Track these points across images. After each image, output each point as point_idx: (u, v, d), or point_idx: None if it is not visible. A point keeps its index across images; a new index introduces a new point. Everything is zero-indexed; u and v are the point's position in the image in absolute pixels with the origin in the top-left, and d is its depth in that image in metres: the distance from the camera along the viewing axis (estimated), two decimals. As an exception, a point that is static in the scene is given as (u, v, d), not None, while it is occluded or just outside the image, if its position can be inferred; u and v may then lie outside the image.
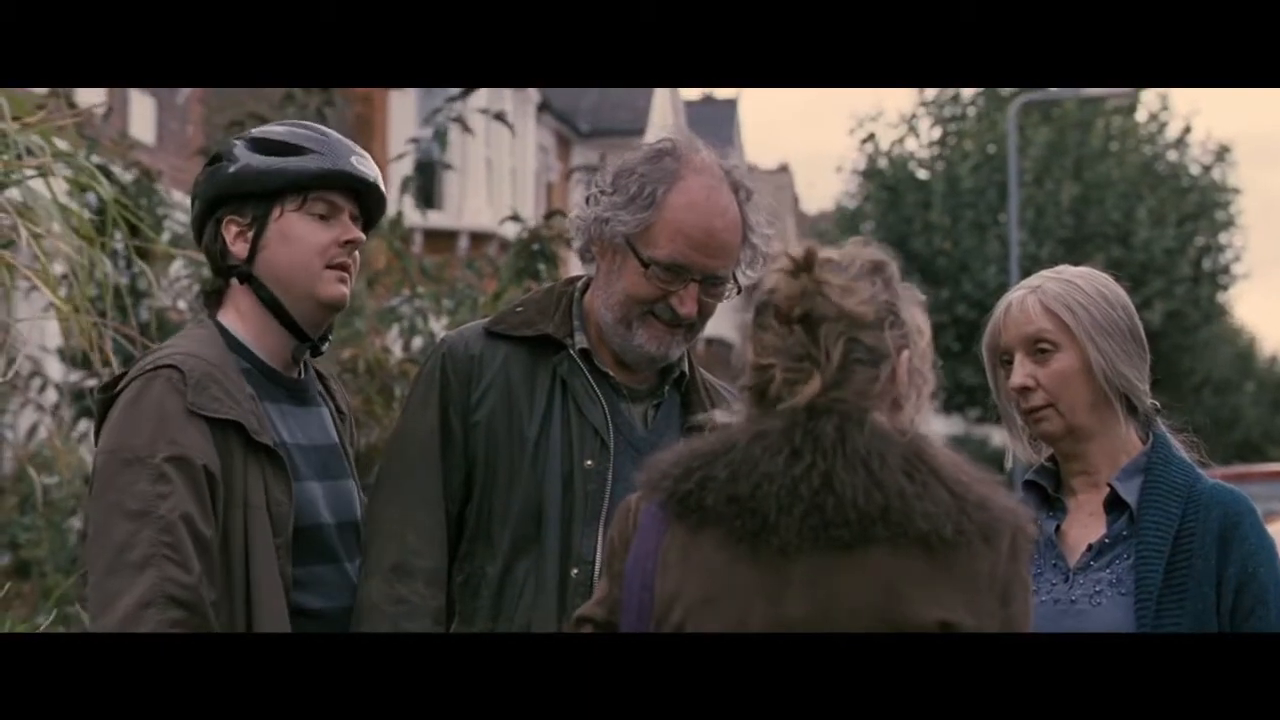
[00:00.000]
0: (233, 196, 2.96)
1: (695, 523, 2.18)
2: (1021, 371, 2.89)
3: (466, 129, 8.38)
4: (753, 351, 2.23)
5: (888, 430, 2.18)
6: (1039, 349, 2.88)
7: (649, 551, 2.22)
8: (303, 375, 3.04)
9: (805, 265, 2.22)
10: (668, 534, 2.21)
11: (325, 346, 3.06)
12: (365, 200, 3.01)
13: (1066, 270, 2.96)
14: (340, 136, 3.04)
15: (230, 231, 2.96)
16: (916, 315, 2.27)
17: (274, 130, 3.01)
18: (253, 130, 3.04)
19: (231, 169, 2.96)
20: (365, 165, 3.00)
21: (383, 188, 3.04)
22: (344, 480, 3.04)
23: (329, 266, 2.95)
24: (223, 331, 2.96)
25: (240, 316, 2.97)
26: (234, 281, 2.99)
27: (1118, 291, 2.93)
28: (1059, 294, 2.88)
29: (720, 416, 2.30)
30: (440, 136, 8.45)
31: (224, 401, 2.82)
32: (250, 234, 2.95)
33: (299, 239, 2.94)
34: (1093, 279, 2.92)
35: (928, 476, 2.15)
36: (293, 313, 2.96)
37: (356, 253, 3.01)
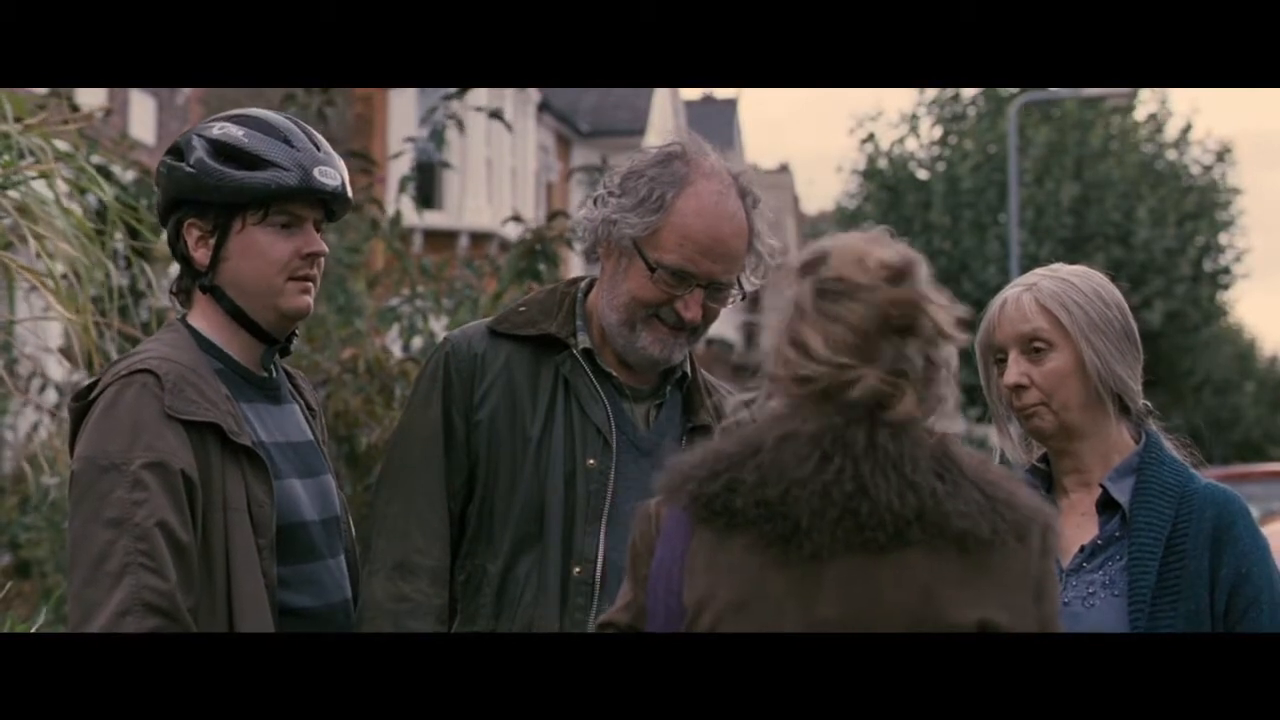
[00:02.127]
0: (192, 201, 2.91)
1: (723, 526, 2.12)
2: (1015, 369, 2.88)
3: (461, 127, 8.38)
4: (823, 344, 2.15)
5: (916, 432, 2.15)
6: (1033, 347, 2.87)
7: (675, 557, 2.17)
8: (274, 374, 3.02)
9: (906, 275, 2.18)
10: (693, 537, 2.16)
11: (296, 350, 3.04)
12: (330, 204, 2.96)
13: (1062, 269, 2.95)
14: (304, 133, 2.96)
15: (191, 235, 2.91)
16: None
17: (234, 135, 2.91)
18: (214, 127, 2.93)
19: (189, 170, 2.89)
20: (329, 174, 2.92)
21: (348, 188, 2.98)
22: (323, 476, 3.02)
23: (291, 279, 2.92)
24: (193, 333, 2.93)
25: (207, 320, 2.94)
26: (198, 289, 2.96)
27: (1113, 291, 2.92)
28: (1055, 292, 2.87)
29: (735, 407, 2.25)
30: (437, 136, 8.44)
31: (200, 404, 2.79)
32: (211, 241, 2.90)
33: (261, 253, 2.89)
34: (1088, 278, 2.92)
35: (958, 477, 2.12)
36: (257, 321, 2.93)
37: (322, 259, 2.97)
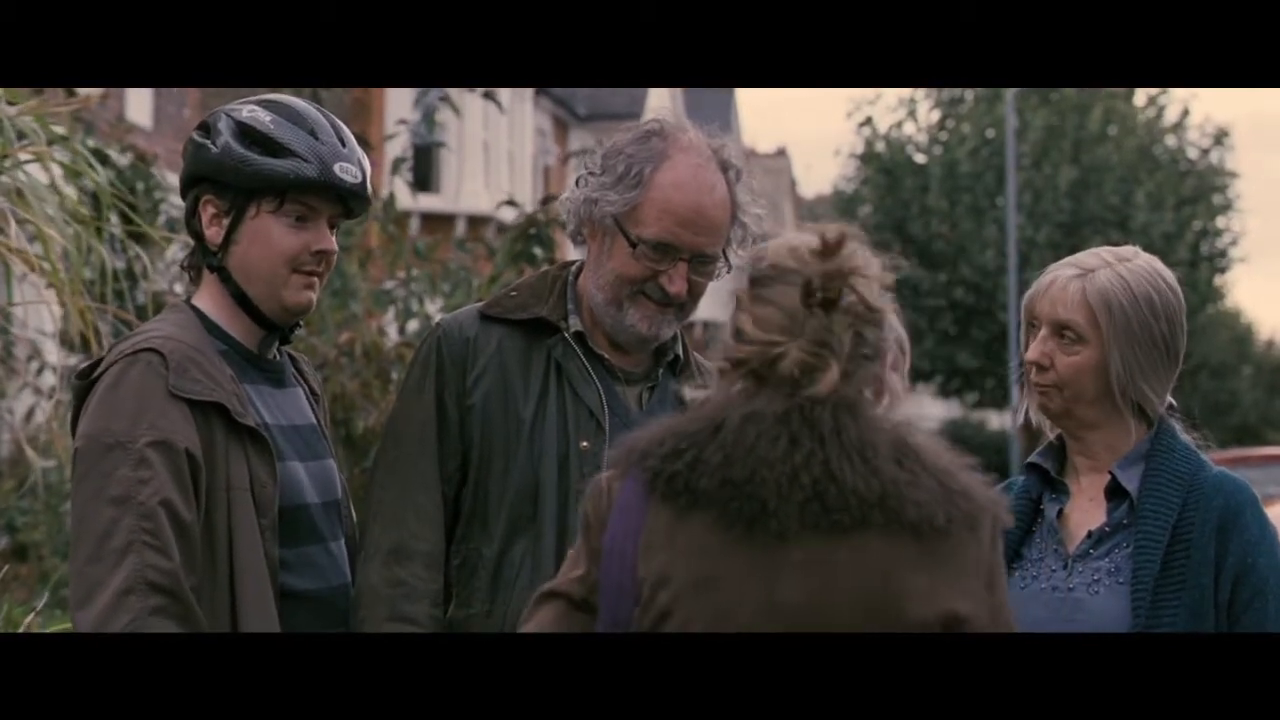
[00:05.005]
0: (212, 179, 2.92)
1: (684, 505, 2.15)
2: (1040, 348, 2.84)
3: (454, 109, 8.38)
4: (753, 325, 2.20)
5: (877, 419, 2.18)
6: (1065, 336, 2.83)
7: (630, 531, 2.19)
8: (277, 358, 3.03)
9: (837, 248, 2.19)
10: (649, 514, 2.17)
11: (296, 335, 3.04)
12: (348, 200, 2.96)
13: (1137, 258, 2.87)
14: (332, 127, 2.97)
15: (207, 212, 2.92)
16: (895, 322, 2.25)
17: (261, 119, 2.92)
18: (244, 110, 2.95)
19: (214, 151, 2.90)
20: (350, 170, 2.93)
21: (368, 187, 2.99)
22: (325, 460, 3.03)
23: (296, 272, 2.92)
24: (199, 315, 2.94)
25: (213, 300, 2.95)
26: (206, 269, 2.97)
27: (1168, 298, 2.85)
28: (1105, 289, 2.81)
29: (692, 393, 2.26)
30: (429, 119, 8.44)
31: (205, 384, 2.80)
32: (226, 221, 2.91)
33: (271, 243, 2.90)
34: (1150, 280, 2.84)
35: (915, 465, 2.15)
36: (260, 308, 2.94)
37: (332, 257, 2.97)
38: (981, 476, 2.22)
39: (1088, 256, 2.89)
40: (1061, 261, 2.91)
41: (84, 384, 2.85)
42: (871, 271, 2.20)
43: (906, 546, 2.12)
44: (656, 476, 2.16)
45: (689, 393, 2.28)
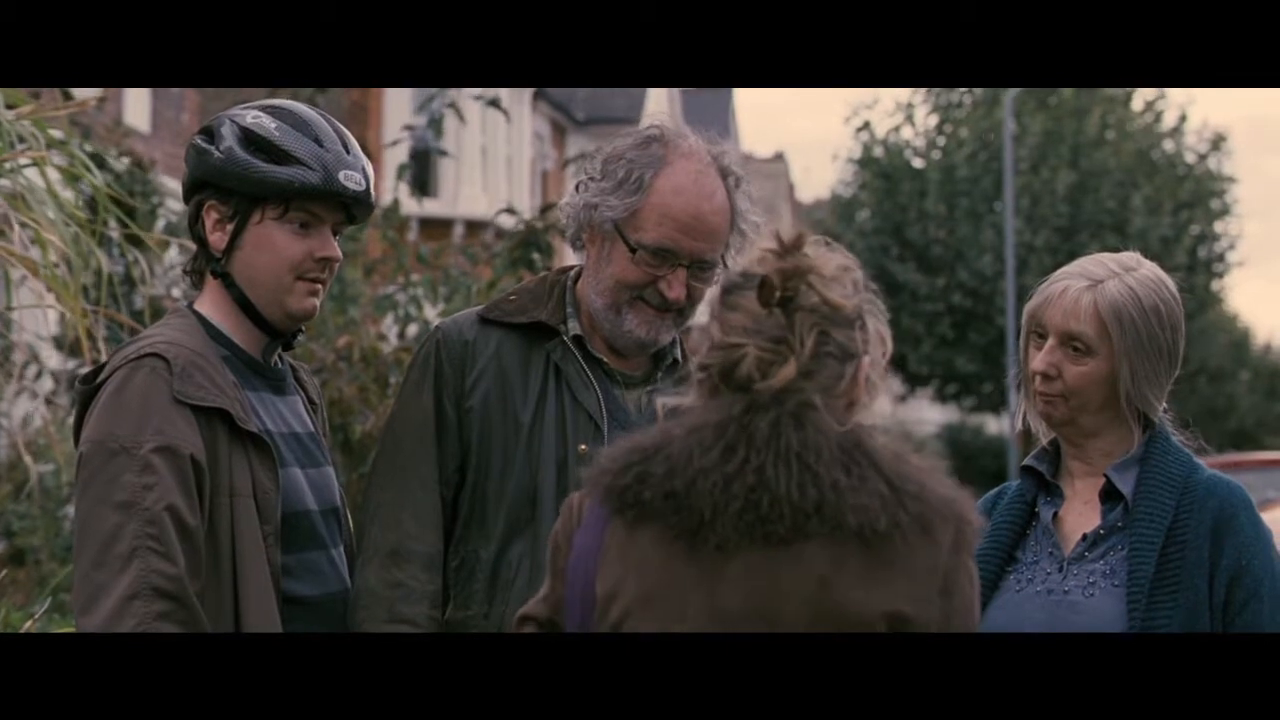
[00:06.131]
0: (215, 185, 2.91)
1: (633, 519, 2.17)
2: (1048, 358, 2.85)
3: (460, 116, 8.39)
4: (720, 330, 2.20)
5: (825, 423, 2.15)
6: (1074, 346, 2.83)
7: (591, 548, 2.21)
8: (279, 364, 3.03)
9: (795, 248, 2.20)
10: (608, 529, 2.20)
11: (297, 341, 3.05)
12: (352, 208, 2.97)
13: (1141, 267, 2.88)
14: (336, 133, 2.97)
15: (210, 217, 2.93)
16: (879, 325, 2.24)
17: (266, 126, 2.91)
18: (248, 115, 2.94)
19: (216, 157, 2.90)
20: (354, 178, 2.93)
21: (372, 194, 2.99)
22: (324, 467, 3.03)
23: (301, 279, 2.92)
24: (202, 320, 2.94)
25: (215, 306, 2.96)
26: (210, 274, 2.97)
27: (1173, 308, 2.87)
28: (1115, 301, 2.82)
29: (668, 401, 2.26)
30: (435, 124, 8.44)
31: (209, 389, 2.80)
32: (230, 227, 2.91)
33: (275, 250, 2.90)
34: (1156, 290, 2.86)
35: (866, 469, 2.13)
36: (263, 314, 2.94)
37: (335, 264, 2.98)
38: (948, 481, 2.20)
39: (1094, 265, 2.88)
40: (1067, 270, 2.90)
41: (87, 389, 2.85)
42: (830, 271, 2.19)
43: (850, 554, 2.11)
44: (610, 492, 2.19)
45: (661, 401, 2.28)
